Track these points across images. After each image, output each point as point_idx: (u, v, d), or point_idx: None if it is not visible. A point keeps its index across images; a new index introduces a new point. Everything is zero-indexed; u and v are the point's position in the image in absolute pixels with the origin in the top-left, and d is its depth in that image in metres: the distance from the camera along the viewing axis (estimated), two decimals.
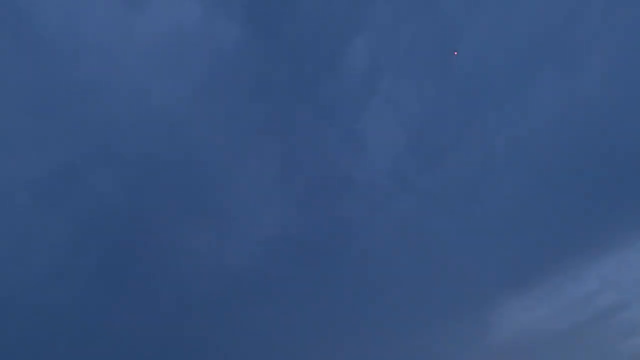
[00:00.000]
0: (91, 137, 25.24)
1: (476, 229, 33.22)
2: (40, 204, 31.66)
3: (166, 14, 22.50)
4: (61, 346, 37.22)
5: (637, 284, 24.91)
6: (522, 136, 25.07)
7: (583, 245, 27.08)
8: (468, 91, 24.44)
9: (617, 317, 26.23)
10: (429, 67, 24.27)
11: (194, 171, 33.12)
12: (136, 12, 21.65)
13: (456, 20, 22.73)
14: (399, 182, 31.43)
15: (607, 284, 25.53)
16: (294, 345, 42.71)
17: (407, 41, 23.61)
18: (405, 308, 41.11)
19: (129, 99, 23.70)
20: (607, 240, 26.00)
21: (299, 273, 44.88)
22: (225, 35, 23.33)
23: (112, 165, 32.45)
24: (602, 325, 27.27)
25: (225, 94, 24.24)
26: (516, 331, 33.93)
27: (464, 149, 26.54)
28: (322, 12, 23.49)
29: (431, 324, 42.37)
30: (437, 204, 33.83)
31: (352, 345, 41.45)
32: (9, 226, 32.93)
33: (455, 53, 20.33)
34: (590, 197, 25.47)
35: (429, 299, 40.46)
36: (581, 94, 23.59)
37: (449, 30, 22.94)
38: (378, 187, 34.41)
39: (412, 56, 24.18)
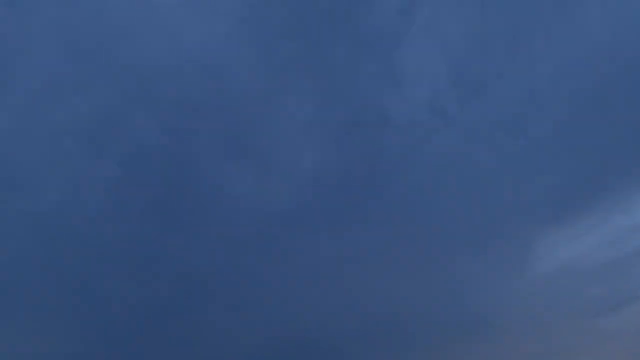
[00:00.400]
0: (129, 81, 25.50)
1: (520, 161, 32.39)
2: (85, 148, 32.93)
3: None
4: (114, 279, 39.90)
5: None
6: (572, 62, 23.77)
7: (633, 176, 26.10)
8: (513, 16, 23.06)
9: None
10: None
11: (231, 112, 33.33)
12: None
13: None
14: (440, 117, 30.66)
15: None
16: (336, 279, 44.25)
17: None
18: (446, 243, 41.39)
19: (163, 40, 23.57)
20: None
21: (340, 211, 45.59)
22: None
23: (151, 109, 33.10)
24: None
25: (260, 30, 23.76)
26: (559, 263, 33.80)
27: (509, 79, 25.38)
28: None
29: (473, 258, 42.66)
30: (480, 138, 32.99)
31: (394, 278, 42.51)
32: (59, 170, 34.68)
33: None
34: None
35: (470, 233, 40.46)
36: (637, 14, 21.91)
37: None
38: (417, 122, 33.77)
39: None
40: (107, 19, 22.02)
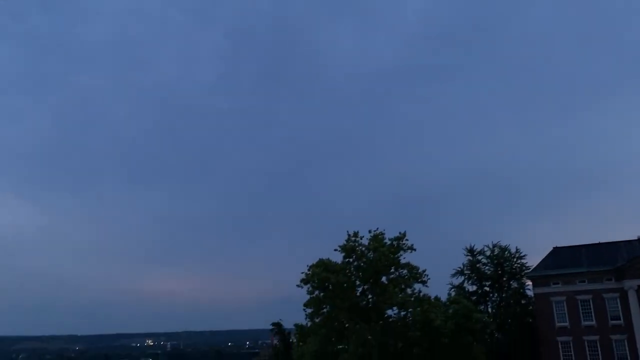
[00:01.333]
0: None
1: None
2: (193, 21, 30.90)
3: None
4: (230, 146, 37.72)
5: None
6: None
7: None
8: None
9: None
10: None
11: None
12: None
13: None
14: None
15: None
16: (444, 137, 40.77)
17: None
18: (565, 95, 37.28)
19: None
20: None
21: (447, 67, 41.87)
22: None
23: None
24: None
25: None
26: None
27: None
28: None
29: (594, 109, 38.76)
30: None
31: (506, 134, 38.71)
32: (171, 44, 32.49)
33: None
34: None
35: (593, 81, 36.37)
36: None
37: None
38: None
39: None
40: None
